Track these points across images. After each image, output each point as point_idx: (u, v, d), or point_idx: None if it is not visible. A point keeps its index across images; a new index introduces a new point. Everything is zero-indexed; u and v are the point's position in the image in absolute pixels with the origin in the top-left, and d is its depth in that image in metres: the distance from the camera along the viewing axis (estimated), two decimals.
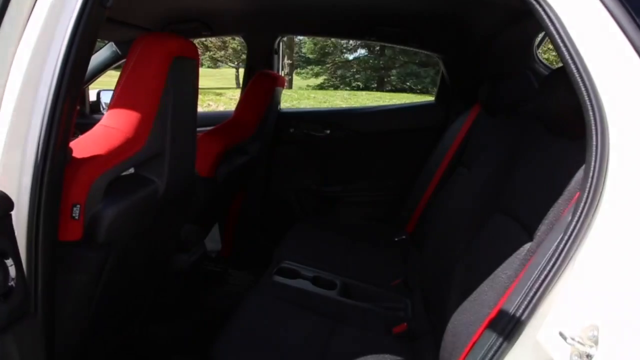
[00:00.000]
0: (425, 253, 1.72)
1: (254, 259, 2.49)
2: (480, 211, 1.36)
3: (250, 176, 2.36)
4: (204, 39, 15.27)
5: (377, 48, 16.02)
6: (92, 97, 2.51)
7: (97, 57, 2.35)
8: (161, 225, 1.31)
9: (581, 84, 0.75)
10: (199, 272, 2.07)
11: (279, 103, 2.45)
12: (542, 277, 0.78)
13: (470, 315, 1.11)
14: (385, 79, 16.09)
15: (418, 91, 15.12)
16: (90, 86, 2.49)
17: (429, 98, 3.51)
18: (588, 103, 0.75)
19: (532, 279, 0.80)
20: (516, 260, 1.04)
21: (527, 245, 1.04)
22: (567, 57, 0.76)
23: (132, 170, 1.16)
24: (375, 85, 16.13)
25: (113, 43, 2.32)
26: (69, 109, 0.87)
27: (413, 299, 1.66)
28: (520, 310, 0.79)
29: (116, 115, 1.09)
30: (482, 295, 1.11)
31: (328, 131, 2.54)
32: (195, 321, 1.94)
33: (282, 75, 2.52)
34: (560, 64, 0.84)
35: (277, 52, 2.50)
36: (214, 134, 1.88)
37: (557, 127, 1.12)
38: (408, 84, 15.61)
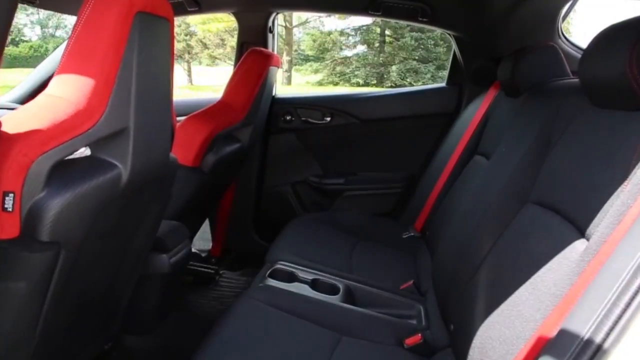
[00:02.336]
0: (440, 252, 1.56)
1: (247, 258, 2.37)
2: (508, 204, 1.20)
3: (241, 166, 2.21)
4: (202, 37, 15.37)
5: (377, 44, 16.02)
6: None
7: None
8: (129, 220, 1.11)
9: None
10: (184, 274, 1.92)
11: (273, 84, 2.28)
12: (634, 288, 0.56)
13: (506, 330, 0.93)
14: (385, 76, 16.07)
15: None
16: None
17: None
18: None
19: (613, 290, 0.58)
20: (565, 262, 0.85)
21: (579, 244, 0.85)
22: None
23: (87, 151, 0.96)
24: (375, 81, 16.11)
25: None
26: None
27: (426, 305, 1.51)
28: (602, 335, 0.58)
29: (64, 82, 0.88)
30: (519, 305, 0.92)
31: (328, 118, 2.40)
32: (180, 329, 1.79)
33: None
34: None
35: (272, 31, 2.33)
36: (199, 119, 1.72)
37: (613, 99, 0.93)
38: (408, 80, 15.66)
